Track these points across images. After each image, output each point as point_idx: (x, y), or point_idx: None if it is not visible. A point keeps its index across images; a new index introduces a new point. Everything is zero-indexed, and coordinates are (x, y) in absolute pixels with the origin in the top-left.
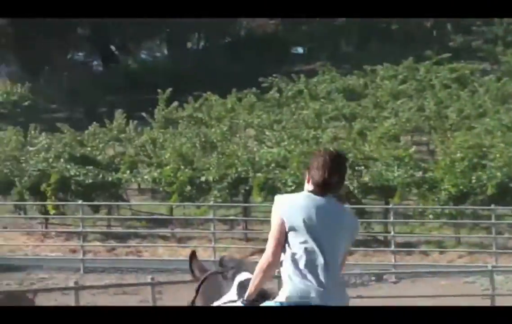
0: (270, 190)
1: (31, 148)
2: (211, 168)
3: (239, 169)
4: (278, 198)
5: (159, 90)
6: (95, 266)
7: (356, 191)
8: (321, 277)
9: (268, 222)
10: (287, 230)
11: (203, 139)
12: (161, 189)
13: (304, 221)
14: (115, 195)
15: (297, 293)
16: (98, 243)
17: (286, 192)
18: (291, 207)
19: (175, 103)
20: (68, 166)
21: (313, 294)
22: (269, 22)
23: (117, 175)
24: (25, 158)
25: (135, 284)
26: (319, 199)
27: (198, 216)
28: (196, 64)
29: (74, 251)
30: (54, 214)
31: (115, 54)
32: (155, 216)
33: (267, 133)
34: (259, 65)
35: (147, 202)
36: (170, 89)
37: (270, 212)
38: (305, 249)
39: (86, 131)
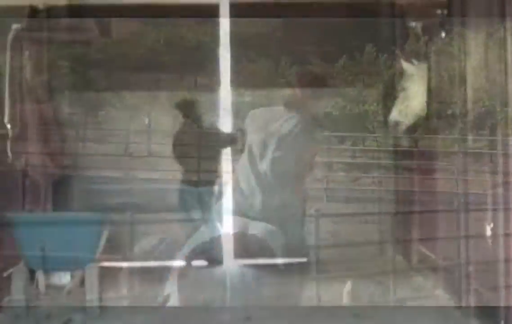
0: None
1: None
2: (457, 102)
3: (486, 103)
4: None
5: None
6: (338, 195)
7: None
8: (252, 176)
9: None
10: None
11: (450, 73)
12: (406, 121)
13: (258, 130)
14: (361, 127)
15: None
16: (342, 173)
17: None
18: (252, 119)
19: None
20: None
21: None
22: None
23: (364, 107)
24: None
25: (375, 213)
26: (282, 111)
27: (443, 149)
28: None
29: (318, 181)
30: None
31: None
32: (398, 148)
33: None
34: None
35: (391, 134)
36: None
37: None
38: (249, 154)
39: (336, 64)
